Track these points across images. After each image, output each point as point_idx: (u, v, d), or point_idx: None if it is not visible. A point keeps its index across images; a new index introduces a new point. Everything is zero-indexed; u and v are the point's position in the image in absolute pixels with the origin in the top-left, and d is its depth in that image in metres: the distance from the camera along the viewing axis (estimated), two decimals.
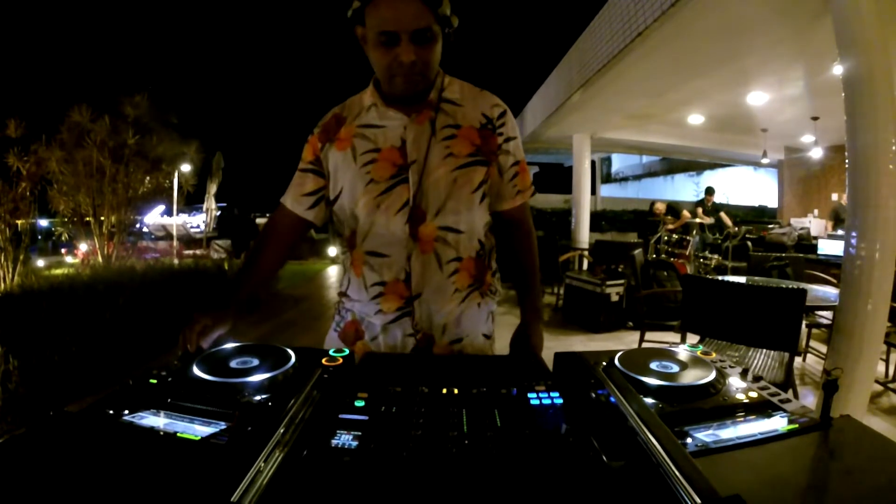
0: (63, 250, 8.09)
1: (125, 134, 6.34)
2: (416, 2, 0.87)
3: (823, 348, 3.39)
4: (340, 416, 0.60)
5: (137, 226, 8.08)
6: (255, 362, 0.77)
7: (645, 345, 3.10)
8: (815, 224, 7.12)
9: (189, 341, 0.87)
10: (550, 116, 6.96)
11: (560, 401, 0.65)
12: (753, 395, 0.70)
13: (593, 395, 0.68)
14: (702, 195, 7.54)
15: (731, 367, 0.80)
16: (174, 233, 9.19)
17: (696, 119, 7.16)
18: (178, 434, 0.58)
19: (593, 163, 11.34)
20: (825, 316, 3.29)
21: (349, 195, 1.01)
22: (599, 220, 9.58)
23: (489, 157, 1.01)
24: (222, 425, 0.60)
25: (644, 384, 0.71)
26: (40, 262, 7.10)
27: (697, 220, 6.65)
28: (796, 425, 0.62)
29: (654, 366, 0.76)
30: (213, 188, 10.49)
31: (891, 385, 2.91)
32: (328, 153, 1.04)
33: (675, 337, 2.95)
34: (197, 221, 11.34)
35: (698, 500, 0.42)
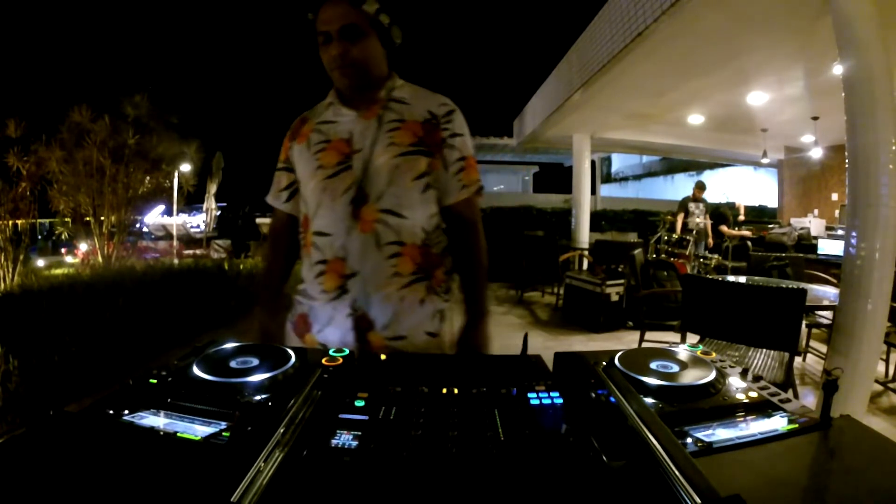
0: (63, 250, 8.09)
1: (125, 134, 6.34)
2: (342, 3, 1.01)
3: (823, 348, 3.39)
4: (340, 416, 0.60)
5: (137, 226, 8.08)
6: (255, 362, 0.77)
7: (645, 345, 3.10)
8: (815, 224, 7.10)
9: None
10: (550, 116, 6.96)
11: (560, 401, 0.65)
12: (753, 395, 0.70)
13: (593, 395, 0.68)
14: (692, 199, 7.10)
15: (731, 367, 0.80)
16: (174, 233, 9.19)
17: (696, 119, 7.15)
18: (178, 434, 0.58)
19: (593, 163, 11.32)
20: (825, 316, 3.29)
21: (303, 181, 1.13)
22: (599, 220, 9.55)
23: (432, 148, 1.09)
24: (222, 425, 0.60)
25: (644, 384, 0.71)
26: (40, 262, 7.09)
27: (735, 232, 6.69)
28: (796, 425, 0.62)
29: (654, 366, 0.76)
30: (213, 188, 10.49)
31: (891, 385, 2.91)
32: (293, 149, 1.16)
33: (675, 337, 2.95)
34: (197, 221, 11.34)
35: (698, 500, 0.42)
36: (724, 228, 6.80)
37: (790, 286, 2.34)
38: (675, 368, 0.76)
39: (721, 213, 7.10)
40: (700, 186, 6.69)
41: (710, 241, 6.51)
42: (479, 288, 1.16)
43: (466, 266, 1.16)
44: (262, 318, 1.16)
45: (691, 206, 6.52)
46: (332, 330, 1.08)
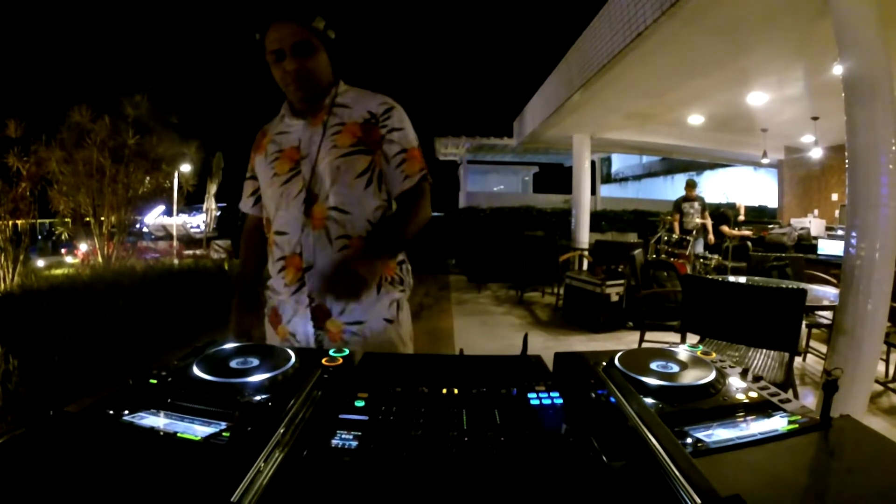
0: (63, 250, 8.09)
1: (125, 134, 6.34)
2: (291, 23, 1.09)
3: (823, 348, 3.39)
4: (340, 416, 0.60)
5: (137, 226, 8.07)
6: (255, 362, 0.77)
7: (645, 345, 3.10)
8: (815, 224, 7.10)
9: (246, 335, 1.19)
10: (550, 116, 6.95)
11: (560, 401, 0.65)
12: (753, 395, 0.70)
13: (593, 395, 0.68)
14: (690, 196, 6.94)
15: (731, 367, 0.80)
16: (174, 233, 9.19)
17: (696, 119, 7.14)
18: (179, 434, 0.58)
19: (593, 163, 11.31)
20: (825, 316, 3.28)
21: (263, 188, 1.25)
22: (599, 220, 9.54)
23: (372, 146, 1.17)
24: (222, 425, 0.60)
25: (644, 384, 0.71)
26: (40, 262, 7.09)
27: (735, 232, 6.69)
28: (796, 425, 0.62)
29: (654, 366, 0.76)
30: (213, 188, 10.48)
31: (891, 385, 2.91)
32: (256, 161, 1.28)
33: (675, 337, 2.95)
34: (197, 221, 11.34)
35: (698, 500, 0.42)
36: (724, 228, 6.79)
37: (790, 286, 2.34)
38: (675, 369, 0.76)
39: (723, 214, 7.09)
40: (690, 185, 6.69)
41: (711, 237, 6.49)
42: (389, 236, 1.16)
43: (393, 219, 1.19)
44: (238, 311, 1.27)
45: (685, 206, 6.51)
46: (297, 320, 1.18)
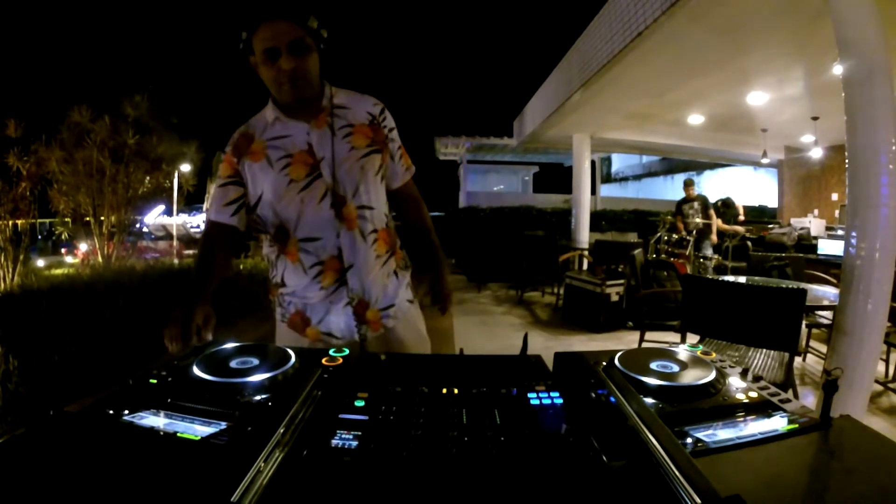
0: (63, 250, 8.09)
1: (125, 134, 6.34)
2: (286, 21, 1.07)
3: (823, 348, 3.39)
4: (340, 416, 0.60)
5: (137, 226, 8.08)
6: (255, 362, 0.77)
7: (645, 345, 3.10)
8: (815, 224, 7.10)
9: (188, 337, 0.97)
10: (550, 116, 6.96)
11: (560, 401, 0.65)
12: (753, 395, 0.70)
13: (593, 395, 0.68)
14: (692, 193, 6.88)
15: (731, 367, 0.80)
16: (174, 233, 9.19)
17: (696, 119, 7.14)
18: (178, 434, 0.58)
19: (593, 163, 11.32)
20: (825, 316, 3.28)
21: (273, 197, 1.16)
22: (599, 220, 9.55)
23: (381, 145, 1.23)
24: (222, 425, 0.60)
25: (644, 384, 0.71)
26: (40, 262, 7.09)
27: (728, 228, 6.68)
28: (796, 425, 0.62)
29: (654, 366, 0.76)
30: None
31: (891, 385, 2.91)
32: (245, 166, 1.18)
33: (675, 337, 2.95)
34: (197, 221, 11.34)
35: (698, 500, 0.42)
36: (718, 222, 6.79)
37: (790, 286, 2.34)
38: (675, 368, 0.76)
39: (726, 202, 7.07)
40: (688, 184, 6.66)
41: (714, 237, 6.45)
42: (435, 245, 1.37)
43: (420, 230, 1.37)
44: (184, 310, 1.04)
45: (684, 207, 6.49)
46: (332, 318, 1.21)
